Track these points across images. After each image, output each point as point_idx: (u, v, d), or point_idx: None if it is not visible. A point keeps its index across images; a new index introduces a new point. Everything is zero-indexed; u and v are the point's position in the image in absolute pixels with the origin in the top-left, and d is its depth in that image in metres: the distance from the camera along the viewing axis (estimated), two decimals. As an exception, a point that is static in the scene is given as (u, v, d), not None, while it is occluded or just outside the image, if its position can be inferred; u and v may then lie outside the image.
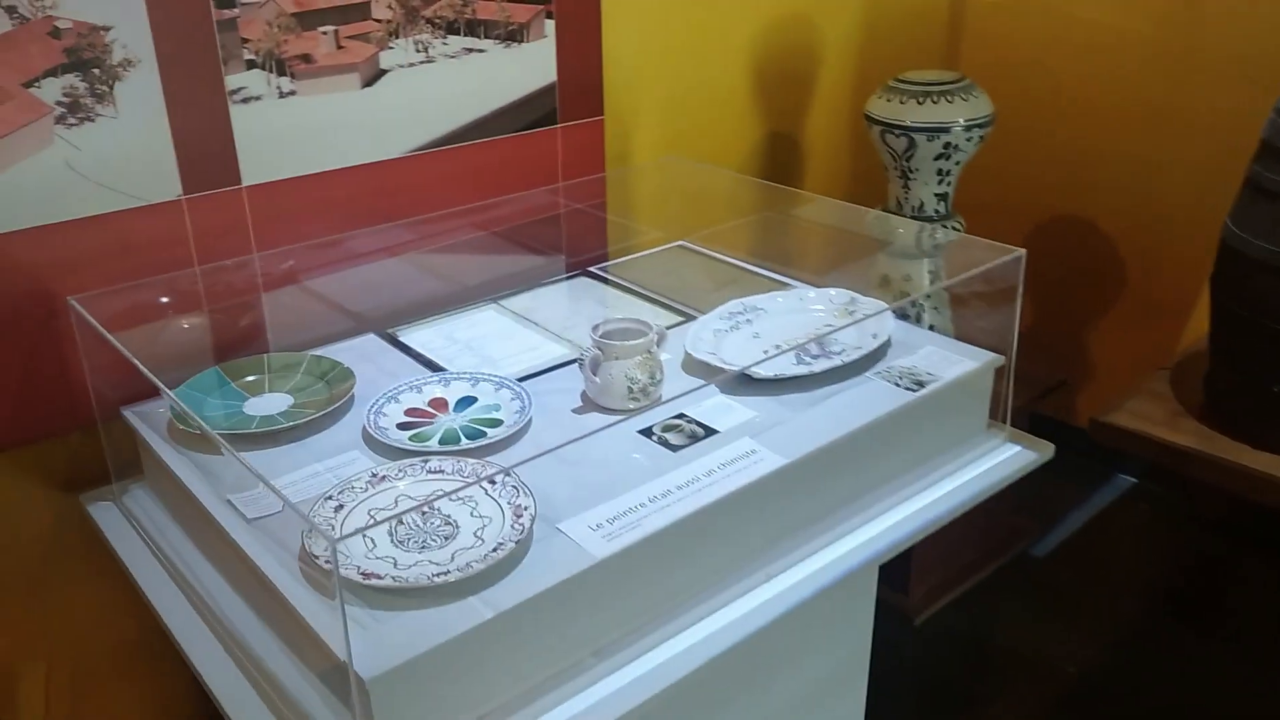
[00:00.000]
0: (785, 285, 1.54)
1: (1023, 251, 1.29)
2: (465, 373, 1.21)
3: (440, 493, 0.97)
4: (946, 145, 1.69)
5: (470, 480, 0.98)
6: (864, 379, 1.28)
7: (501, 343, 1.35)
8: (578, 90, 1.59)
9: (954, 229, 1.80)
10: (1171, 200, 2.03)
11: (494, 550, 0.87)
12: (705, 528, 1.03)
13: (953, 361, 1.32)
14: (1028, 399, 1.96)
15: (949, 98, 1.68)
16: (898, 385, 1.26)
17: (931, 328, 1.70)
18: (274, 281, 1.33)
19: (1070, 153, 2.18)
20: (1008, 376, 1.35)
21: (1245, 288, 1.63)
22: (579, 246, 1.63)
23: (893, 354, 1.35)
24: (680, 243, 1.69)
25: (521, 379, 1.23)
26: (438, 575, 0.84)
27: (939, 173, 1.73)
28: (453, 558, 0.87)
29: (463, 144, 1.48)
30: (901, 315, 1.47)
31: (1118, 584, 2.07)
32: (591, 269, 1.58)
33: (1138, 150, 2.08)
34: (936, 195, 1.77)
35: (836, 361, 1.29)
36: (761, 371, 1.23)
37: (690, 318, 1.42)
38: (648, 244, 1.68)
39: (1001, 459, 1.35)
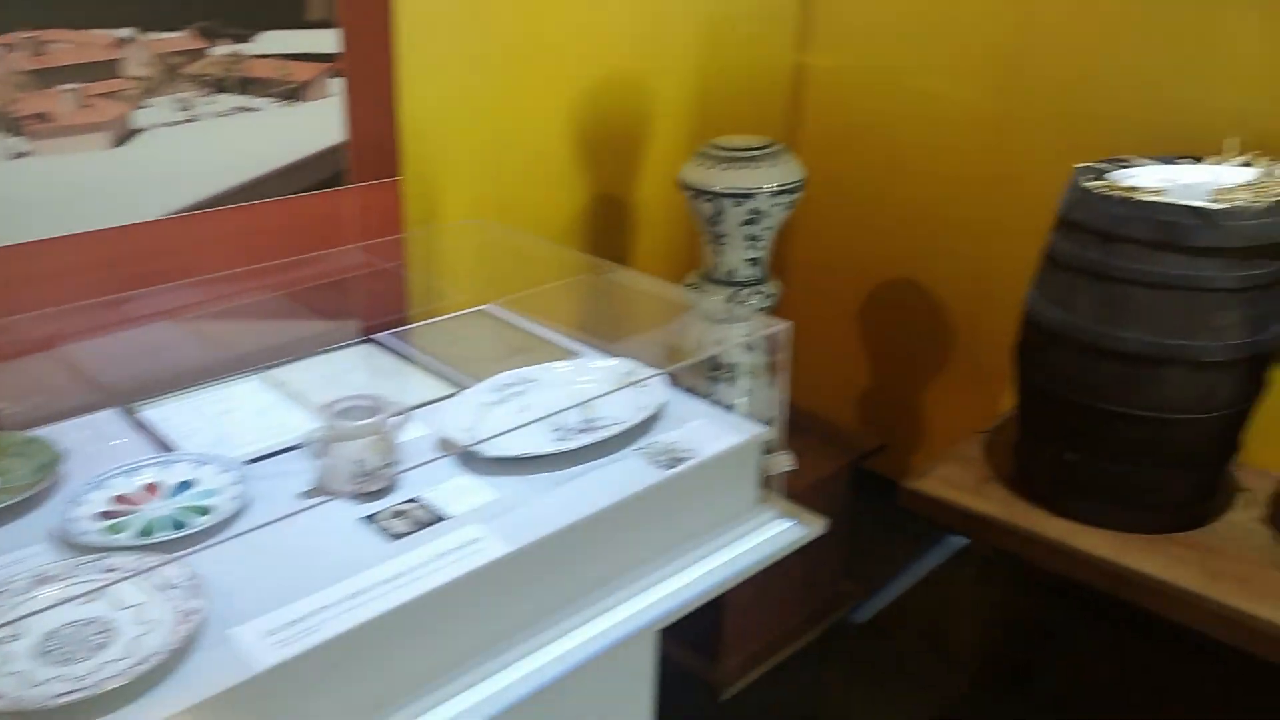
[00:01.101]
0: (575, 355, 1.51)
1: (788, 324, 1.28)
2: (191, 454, 1.16)
3: (67, 598, 0.89)
4: (753, 211, 1.69)
5: (104, 582, 0.91)
6: (623, 455, 1.25)
7: (254, 418, 1.29)
8: (370, 150, 1.55)
9: (767, 295, 1.80)
10: (996, 266, 2.05)
11: (139, 664, 0.82)
12: (411, 624, 0.98)
13: (718, 435, 1.30)
14: (847, 462, 1.95)
15: (756, 164, 1.68)
16: (655, 463, 1.24)
17: (723, 399, 1.70)
18: (8, 351, 1.26)
19: (906, 217, 2.20)
20: (776, 448, 1.33)
21: (1043, 358, 1.64)
22: (371, 311, 1.58)
23: (664, 426, 1.33)
24: (484, 308, 1.65)
25: (259, 459, 1.17)
26: (62, 695, 0.78)
27: (748, 238, 1.73)
28: (92, 673, 0.81)
29: (235, 205, 1.43)
30: (690, 386, 1.45)
31: (940, 651, 2.06)
32: (378, 336, 1.54)
33: (968, 216, 2.10)
34: (748, 260, 1.76)
35: (598, 436, 1.26)
36: (491, 450, 1.19)
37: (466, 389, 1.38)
38: (448, 308, 1.64)
39: (769, 535, 1.33)
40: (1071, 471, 1.64)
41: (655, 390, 1.36)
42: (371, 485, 1.11)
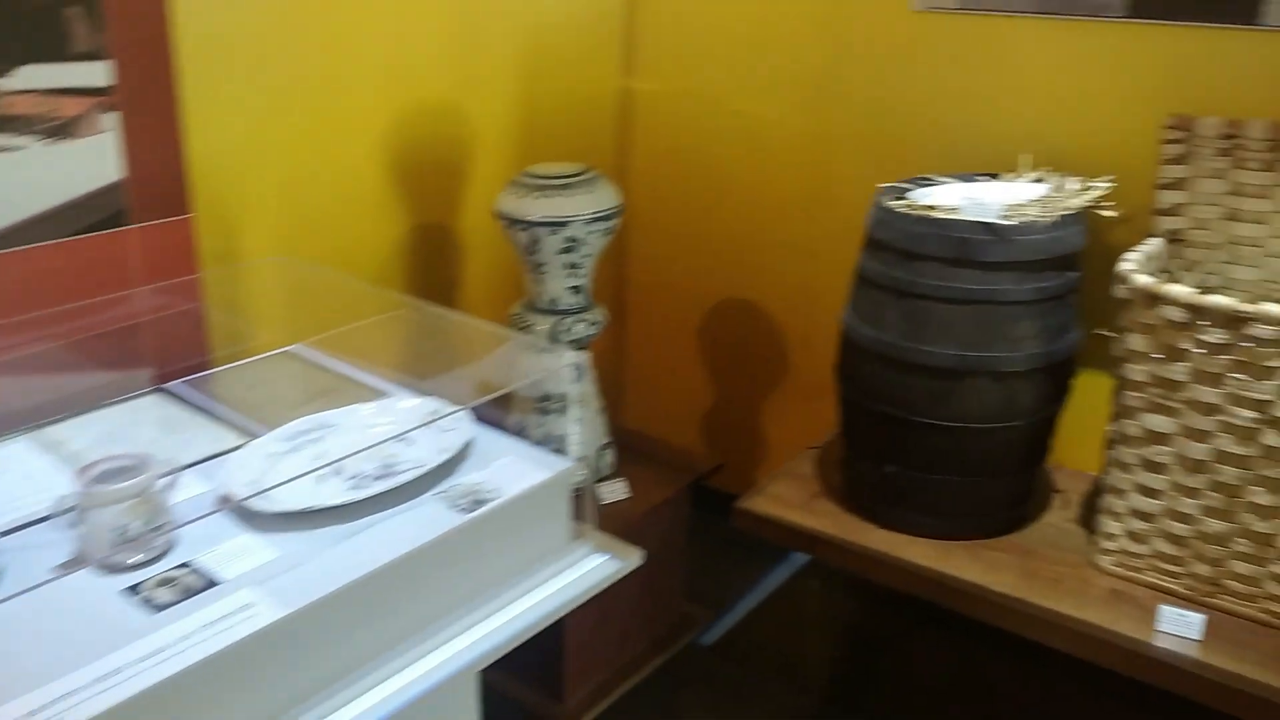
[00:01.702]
0: (383, 395, 1.45)
1: (576, 357, 1.25)
2: (-69, 528, 1.06)
3: None
4: (570, 239, 1.66)
5: None
6: (422, 501, 1.21)
7: (19, 483, 1.19)
8: (153, 187, 1.46)
9: (591, 322, 1.78)
10: (821, 284, 2.09)
11: None
12: (174, 701, 0.91)
13: (525, 473, 1.27)
14: (685, 485, 1.95)
15: (570, 191, 1.66)
16: (456, 506, 1.19)
17: (552, 430, 1.66)
18: None
19: (735, 238, 2.22)
20: (589, 483, 1.31)
21: (857, 374, 1.67)
22: (163, 358, 1.49)
23: (470, 466, 1.29)
24: (290, 349, 1.58)
25: (15, 529, 1.08)
26: None
27: (567, 266, 1.70)
28: None
29: (1, 251, 1.32)
30: (498, 422, 1.41)
31: (790, 668, 2.07)
32: (170, 385, 1.45)
33: (792, 235, 2.13)
34: (569, 289, 1.74)
35: (394, 482, 1.21)
36: (275, 505, 1.13)
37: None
38: (250, 352, 1.56)
39: (583, 571, 1.30)
40: (892, 483, 1.67)
41: (460, 430, 1.31)
42: (136, 553, 1.03)
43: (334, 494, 1.18)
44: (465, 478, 1.25)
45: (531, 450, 1.33)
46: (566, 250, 1.68)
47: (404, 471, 1.23)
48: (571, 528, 1.32)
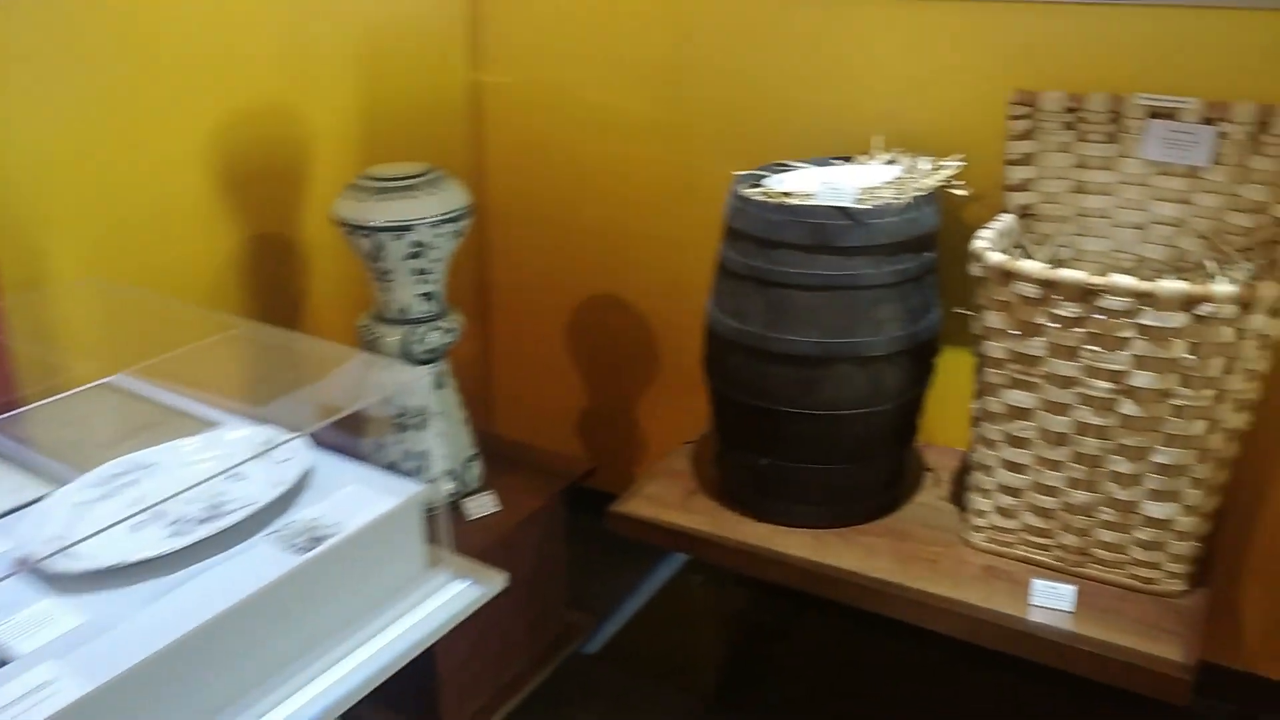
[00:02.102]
0: (215, 425, 1.34)
1: (425, 371, 1.17)
2: None
3: None
4: (416, 244, 1.57)
5: None
6: (254, 543, 1.10)
7: None
8: (-66, 213, 1.31)
9: (446, 330, 1.68)
10: (686, 277, 2.04)
11: None
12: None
13: (369, 503, 1.17)
14: (558, 491, 1.87)
15: (413, 193, 1.56)
16: (291, 547, 1.10)
17: (413, 446, 1.56)
18: None
19: (598, 232, 2.15)
20: (439, 511, 1.22)
21: (723, 366, 1.63)
22: (-41, 400, 1.34)
23: (309, 499, 1.19)
24: (109, 380, 1.44)
25: None
26: None
27: (416, 272, 1.61)
28: None
29: None
30: (340, 446, 1.31)
31: (678, 669, 2.03)
32: (-35, 429, 1.30)
33: (655, 228, 2.08)
34: (420, 296, 1.64)
35: (221, 525, 1.10)
36: (81, 562, 1.01)
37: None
38: (64, 385, 1.41)
39: (442, 600, 1.22)
40: (767, 476, 1.63)
41: (296, 460, 1.21)
42: (-91, 633, 0.91)
43: (151, 544, 1.06)
44: (302, 513, 1.15)
45: (378, 476, 1.24)
46: (413, 256, 1.58)
47: (232, 512, 1.12)
48: (428, 554, 1.24)
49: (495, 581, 1.25)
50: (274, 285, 1.86)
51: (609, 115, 2.03)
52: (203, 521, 1.11)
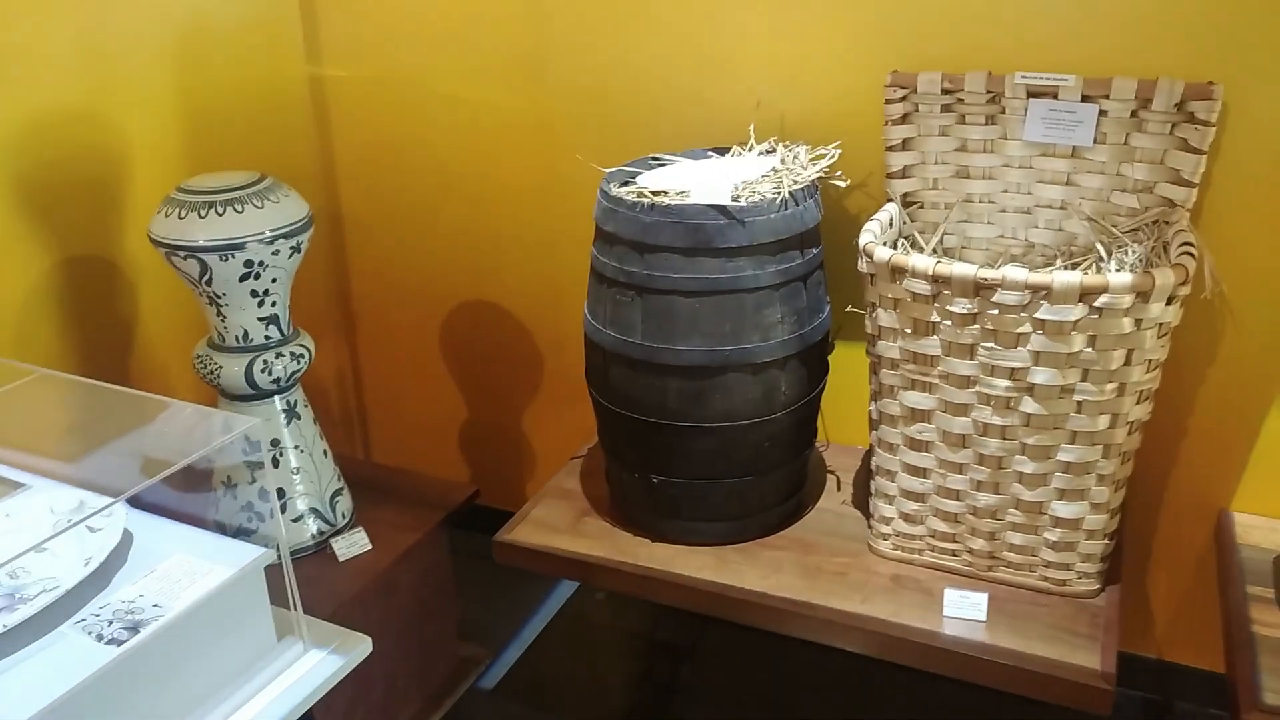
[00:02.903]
0: (19, 488, 1.15)
1: (258, 421, 1.01)
2: None
3: None
4: (249, 264, 1.40)
5: None
6: (59, 634, 0.94)
7: None
8: None
9: (295, 355, 1.51)
10: (565, 279, 1.91)
11: None
12: None
13: (200, 574, 1.02)
14: (439, 520, 1.73)
15: (238, 206, 1.39)
16: (104, 636, 0.93)
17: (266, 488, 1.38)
18: None
19: (466, 235, 2.00)
20: (287, 574, 1.07)
21: (605, 379, 1.51)
22: None
23: (129, 573, 1.02)
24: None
25: None
26: None
27: (254, 294, 1.44)
28: None
29: None
30: (165, 505, 1.14)
31: (580, 699, 1.91)
32: None
33: (528, 229, 1.94)
34: (261, 320, 1.47)
35: (16, 618, 0.93)
36: None
37: None
38: None
39: (298, 675, 1.06)
40: (661, 494, 1.52)
41: (110, 529, 1.04)
42: None
43: (-76, 650, 0.89)
44: (118, 592, 0.99)
45: (209, 540, 1.08)
46: (248, 276, 1.41)
47: (33, 599, 0.95)
48: (277, 623, 1.08)
49: (358, 648, 1.11)
50: (94, 314, 1.65)
51: (467, 109, 1.88)
52: (-5, 613, 0.94)
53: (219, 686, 1.01)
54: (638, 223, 1.36)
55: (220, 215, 1.37)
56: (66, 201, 1.58)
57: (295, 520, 1.58)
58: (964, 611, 1.38)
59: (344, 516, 1.66)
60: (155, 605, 0.96)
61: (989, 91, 1.43)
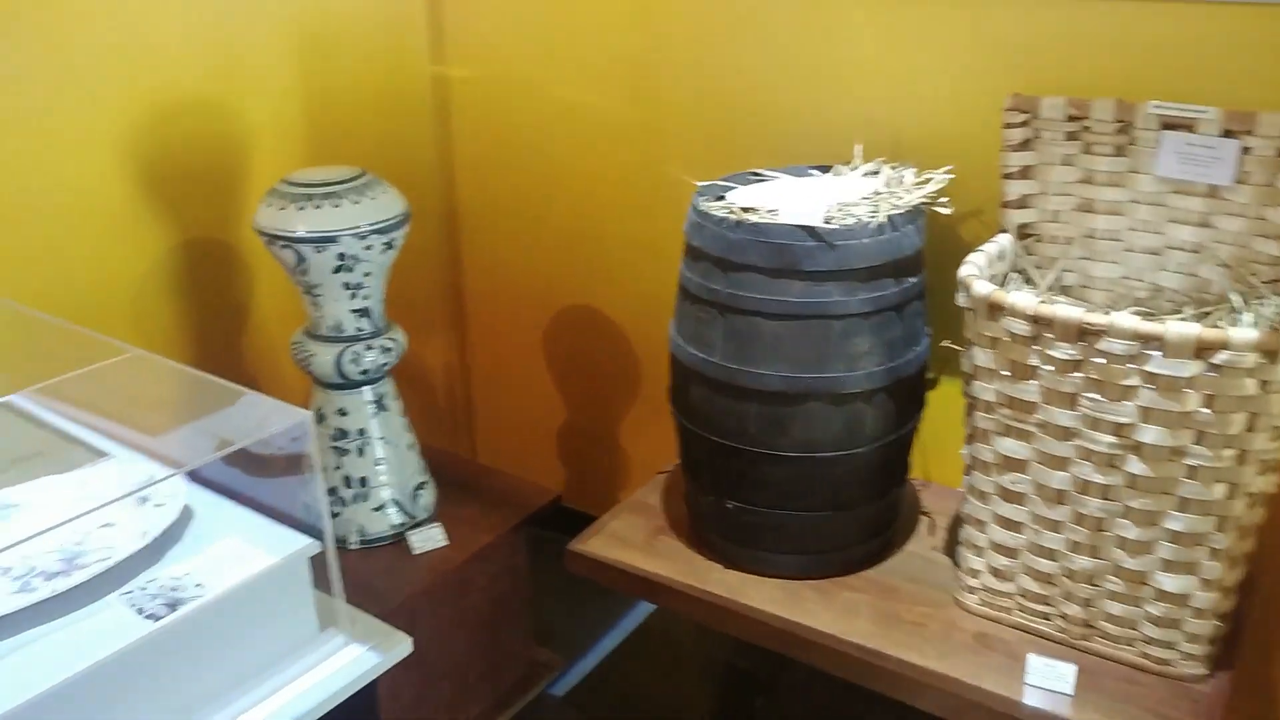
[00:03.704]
0: (105, 458, 1.21)
1: (306, 415, 1.02)
2: None
3: None
4: (341, 257, 1.43)
5: None
6: (105, 603, 0.97)
7: None
8: None
9: (384, 349, 1.54)
10: (668, 288, 1.87)
11: None
12: None
13: (246, 558, 1.03)
14: (514, 525, 1.72)
15: (336, 200, 1.42)
16: (144, 610, 0.96)
17: (353, 472, 1.38)
18: None
19: (571, 238, 2.00)
20: (331, 565, 1.08)
21: (686, 398, 1.47)
22: None
23: (184, 549, 1.05)
24: (9, 399, 1.32)
25: None
26: None
27: (346, 287, 1.47)
28: None
29: None
30: (225, 487, 1.17)
31: (653, 717, 1.88)
32: None
33: (630, 235, 1.92)
34: (354, 312, 1.50)
35: (72, 582, 0.97)
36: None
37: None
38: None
39: (333, 670, 1.07)
40: (736, 520, 1.47)
41: (170, 505, 1.08)
42: None
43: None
44: (167, 569, 1.02)
45: (265, 526, 1.10)
46: (341, 269, 1.44)
47: (86, 566, 0.99)
48: (320, 614, 1.09)
49: (399, 647, 1.11)
50: (209, 297, 1.73)
51: (578, 113, 1.88)
52: (52, 576, 0.98)
53: (253, 671, 1.03)
54: (723, 239, 1.32)
55: (318, 209, 1.41)
56: (188, 187, 1.65)
57: (376, 509, 1.61)
58: (1049, 681, 1.27)
59: (426, 510, 1.68)
60: (198, 585, 0.99)
61: (1119, 120, 1.31)
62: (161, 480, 1.07)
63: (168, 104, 1.59)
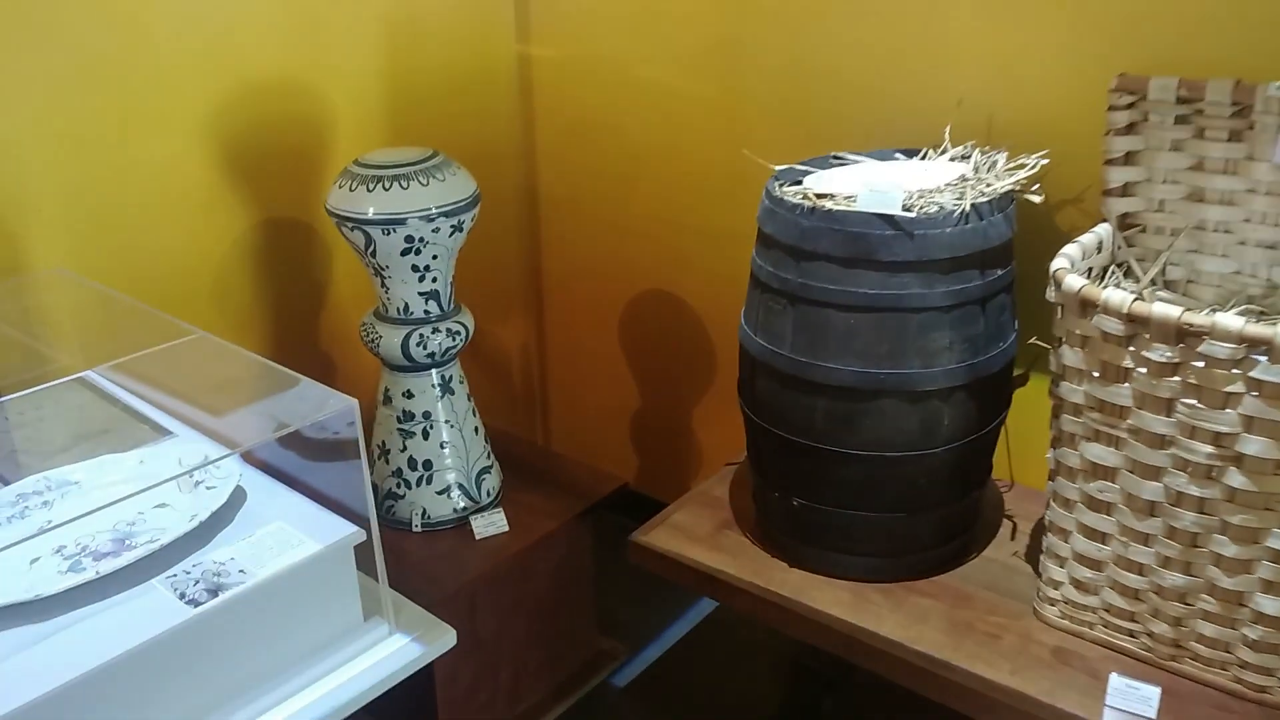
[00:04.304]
0: (168, 436, 1.22)
1: (353, 402, 1.01)
2: None
3: None
4: (409, 239, 1.41)
5: None
6: (149, 586, 0.97)
7: None
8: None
9: (452, 332, 1.52)
10: (743, 275, 1.82)
11: None
12: None
13: (291, 546, 1.03)
14: (577, 514, 1.69)
15: (405, 182, 1.40)
16: (187, 594, 0.96)
17: (417, 455, 1.35)
18: None
19: (652, 222, 1.95)
20: (378, 555, 1.07)
21: (754, 391, 1.41)
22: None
23: (233, 532, 1.05)
24: (83, 375, 1.35)
25: None
26: None
27: (415, 269, 1.45)
28: None
29: None
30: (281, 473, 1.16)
31: (716, 713, 1.83)
32: (-90, 429, 1.23)
33: (711, 220, 1.86)
34: (422, 295, 1.48)
35: (119, 563, 0.98)
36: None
37: None
38: (35, 380, 1.33)
39: (376, 660, 1.06)
40: (803, 518, 1.42)
41: (222, 488, 1.08)
42: None
43: (34, 582, 0.95)
44: (214, 553, 1.02)
45: (313, 513, 1.09)
46: (409, 252, 1.43)
47: (135, 547, 1.00)
48: (365, 601, 1.08)
49: (443, 639, 1.09)
50: (288, 275, 1.74)
51: (660, 94, 1.82)
52: (102, 557, 0.99)
53: (296, 659, 1.02)
54: (796, 226, 1.25)
55: (387, 190, 1.40)
56: (270, 166, 1.66)
57: (440, 493, 1.60)
58: (1131, 704, 1.18)
59: (489, 494, 1.66)
60: (241, 571, 0.98)
61: (1235, 103, 1.19)
62: (211, 462, 1.07)
63: (250, 85, 1.60)
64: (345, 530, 1.04)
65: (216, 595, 0.95)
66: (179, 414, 1.26)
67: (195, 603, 0.94)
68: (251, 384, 1.24)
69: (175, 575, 0.98)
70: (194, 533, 1.02)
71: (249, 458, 1.15)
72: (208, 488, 1.08)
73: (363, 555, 1.07)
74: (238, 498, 1.10)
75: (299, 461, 1.15)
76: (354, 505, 1.07)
